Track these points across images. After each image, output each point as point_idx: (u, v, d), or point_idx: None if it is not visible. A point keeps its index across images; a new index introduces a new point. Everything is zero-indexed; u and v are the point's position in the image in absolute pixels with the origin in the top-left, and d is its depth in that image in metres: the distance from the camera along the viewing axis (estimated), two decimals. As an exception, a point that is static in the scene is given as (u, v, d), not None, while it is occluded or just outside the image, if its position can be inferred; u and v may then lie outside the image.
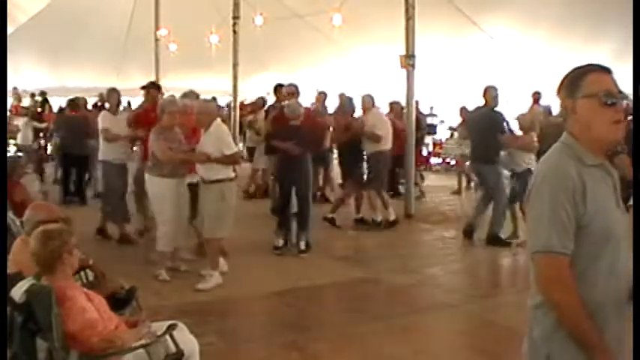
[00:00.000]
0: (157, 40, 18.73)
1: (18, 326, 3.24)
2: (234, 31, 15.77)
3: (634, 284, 2.21)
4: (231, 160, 6.47)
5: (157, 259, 6.76)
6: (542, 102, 13.09)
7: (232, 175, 6.53)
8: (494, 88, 8.46)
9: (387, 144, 9.29)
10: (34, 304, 3.21)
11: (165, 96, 9.00)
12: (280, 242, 7.77)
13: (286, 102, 8.32)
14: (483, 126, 8.39)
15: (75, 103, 11.60)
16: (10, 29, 14.46)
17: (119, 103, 8.65)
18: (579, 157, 2.20)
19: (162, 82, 16.83)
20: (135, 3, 18.50)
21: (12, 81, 15.83)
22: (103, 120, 8.21)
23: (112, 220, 8.37)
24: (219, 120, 6.60)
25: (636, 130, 3.21)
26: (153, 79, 18.52)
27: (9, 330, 3.27)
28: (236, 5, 15.67)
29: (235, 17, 15.71)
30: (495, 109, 8.42)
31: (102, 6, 18.02)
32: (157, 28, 18.54)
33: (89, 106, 12.71)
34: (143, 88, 8.59)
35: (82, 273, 3.96)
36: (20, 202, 5.35)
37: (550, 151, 2.30)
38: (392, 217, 9.37)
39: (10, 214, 4.86)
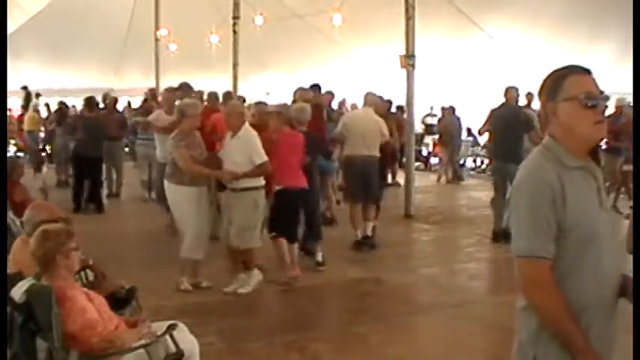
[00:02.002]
0: (157, 40, 18.75)
1: (18, 326, 3.24)
2: (234, 31, 15.79)
3: (634, 284, 2.21)
4: (261, 172, 6.09)
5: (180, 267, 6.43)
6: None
7: (262, 182, 6.21)
8: (515, 89, 8.52)
9: (357, 149, 8.04)
10: (34, 304, 3.21)
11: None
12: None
13: (294, 105, 7.46)
14: (514, 123, 8.27)
15: (91, 103, 10.83)
16: (10, 29, 14.46)
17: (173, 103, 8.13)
18: (560, 159, 2.19)
19: (162, 82, 16.92)
20: (135, 3, 18.52)
21: (12, 81, 15.81)
22: (157, 121, 8.01)
23: None
24: (247, 124, 6.21)
25: (636, 130, 3.21)
26: (153, 79, 18.60)
27: (9, 330, 3.27)
28: (236, 5, 15.69)
29: (235, 17, 15.73)
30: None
31: (102, 6, 18.04)
32: (157, 28, 18.57)
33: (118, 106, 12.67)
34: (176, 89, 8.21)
35: (82, 273, 3.95)
36: (20, 202, 5.35)
37: (531, 154, 2.30)
38: (357, 237, 8.20)
39: (10, 214, 4.86)
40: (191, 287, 6.31)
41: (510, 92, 8.46)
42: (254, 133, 6.19)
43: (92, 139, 10.31)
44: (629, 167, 9.67)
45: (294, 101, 7.93)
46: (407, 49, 10.21)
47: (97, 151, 10.45)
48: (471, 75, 16.24)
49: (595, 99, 2.18)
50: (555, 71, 2.28)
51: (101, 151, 10.56)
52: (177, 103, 7.32)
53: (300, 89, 8.14)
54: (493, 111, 8.79)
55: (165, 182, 6.38)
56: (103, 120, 10.81)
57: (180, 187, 6.20)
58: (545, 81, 2.29)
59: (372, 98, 8.50)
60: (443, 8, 13.46)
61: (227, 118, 6.23)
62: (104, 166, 11.10)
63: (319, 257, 7.20)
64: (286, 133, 6.65)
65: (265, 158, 6.07)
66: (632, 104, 10.44)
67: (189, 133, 6.22)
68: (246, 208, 6.06)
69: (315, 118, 7.45)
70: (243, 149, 6.02)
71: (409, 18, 10.22)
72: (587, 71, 2.25)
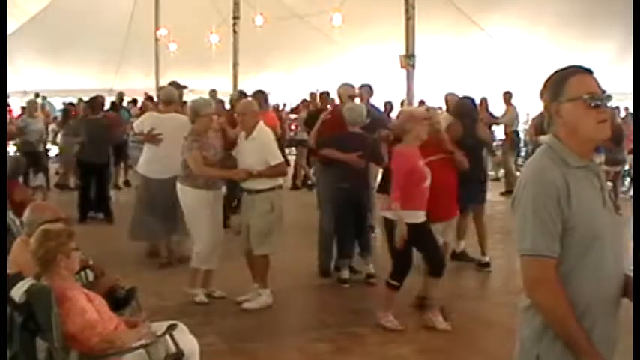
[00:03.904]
0: (156, 40, 18.75)
1: (18, 326, 3.24)
2: (234, 31, 15.79)
3: (634, 283, 2.22)
4: (276, 173, 5.83)
5: (190, 278, 6.13)
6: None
7: (280, 182, 5.99)
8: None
9: None
10: (34, 304, 3.21)
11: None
12: (347, 273, 6.67)
13: (348, 104, 6.86)
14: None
15: (96, 103, 9.99)
16: (10, 29, 14.46)
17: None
18: (564, 159, 2.21)
19: (162, 82, 16.92)
20: (135, 3, 18.52)
21: (13, 81, 15.81)
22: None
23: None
24: (262, 123, 5.89)
25: (636, 130, 3.21)
26: (153, 79, 18.60)
27: (9, 330, 3.27)
28: (236, 5, 15.69)
29: (235, 17, 15.74)
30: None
31: (102, 6, 18.05)
32: (157, 28, 18.57)
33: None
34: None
35: (83, 273, 3.96)
36: (20, 202, 5.34)
37: (535, 154, 2.32)
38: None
39: (10, 214, 4.86)
40: (206, 299, 6.00)
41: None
42: (269, 132, 5.93)
43: (96, 143, 9.49)
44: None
45: (340, 100, 7.31)
46: (407, 49, 10.21)
47: (103, 156, 9.62)
48: (471, 75, 16.23)
49: (598, 99, 2.19)
50: (557, 72, 2.29)
51: (107, 156, 9.77)
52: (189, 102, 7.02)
53: (344, 85, 7.26)
54: None
55: (179, 185, 6.09)
56: (107, 122, 10.01)
57: (195, 191, 5.94)
58: (547, 82, 2.30)
59: (451, 98, 7.90)
60: (443, 8, 13.46)
61: (241, 118, 5.90)
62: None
63: (371, 269, 6.69)
64: (395, 150, 5.61)
65: (280, 159, 5.84)
66: (616, 105, 10.54)
67: (203, 133, 5.95)
68: (262, 211, 5.74)
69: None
70: (258, 151, 5.74)
71: (409, 18, 10.22)
72: (589, 71, 2.26)
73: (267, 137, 5.86)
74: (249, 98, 7.50)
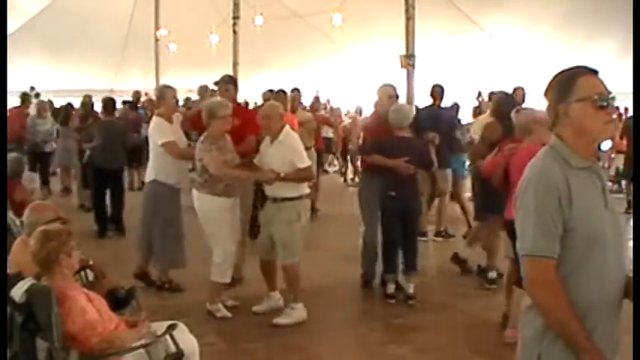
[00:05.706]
0: (157, 40, 18.77)
1: (18, 326, 3.24)
2: (234, 31, 15.80)
3: (634, 284, 2.22)
4: (304, 176, 5.58)
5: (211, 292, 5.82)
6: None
7: (307, 191, 5.71)
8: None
9: None
10: (34, 304, 3.21)
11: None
12: (392, 288, 6.18)
13: (394, 106, 6.31)
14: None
15: (109, 105, 9.27)
16: (10, 29, 14.46)
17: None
18: (566, 160, 2.22)
19: (162, 82, 16.91)
20: (135, 3, 18.52)
21: (12, 81, 15.79)
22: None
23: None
24: (288, 127, 5.65)
25: (636, 130, 3.21)
26: (153, 79, 18.60)
27: (9, 330, 3.27)
28: (236, 5, 15.70)
29: (235, 17, 15.75)
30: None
31: (102, 6, 18.05)
32: (156, 28, 18.59)
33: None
34: (216, 83, 6.77)
35: (82, 273, 3.96)
36: (20, 202, 5.34)
37: (537, 154, 2.32)
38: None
39: (10, 214, 4.86)
40: (230, 314, 5.73)
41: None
42: (296, 136, 5.72)
43: (111, 147, 8.81)
44: None
45: (380, 103, 6.69)
46: (407, 49, 10.22)
47: (118, 161, 8.95)
48: (471, 74, 16.25)
49: (606, 99, 2.21)
50: (563, 72, 2.29)
51: (122, 160, 9.14)
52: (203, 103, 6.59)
53: (384, 86, 6.68)
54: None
55: (195, 192, 5.75)
56: (122, 124, 9.63)
57: (215, 199, 5.60)
58: (552, 82, 2.30)
59: (495, 98, 7.26)
60: (443, 8, 13.47)
61: (265, 121, 5.55)
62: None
63: (411, 288, 6.17)
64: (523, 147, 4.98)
65: (309, 162, 5.64)
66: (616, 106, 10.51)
67: (220, 136, 5.62)
68: (288, 221, 5.49)
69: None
70: (284, 154, 5.48)
71: (409, 18, 10.22)
72: (595, 72, 2.27)
73: (295, 141, 5.62)
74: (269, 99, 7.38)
